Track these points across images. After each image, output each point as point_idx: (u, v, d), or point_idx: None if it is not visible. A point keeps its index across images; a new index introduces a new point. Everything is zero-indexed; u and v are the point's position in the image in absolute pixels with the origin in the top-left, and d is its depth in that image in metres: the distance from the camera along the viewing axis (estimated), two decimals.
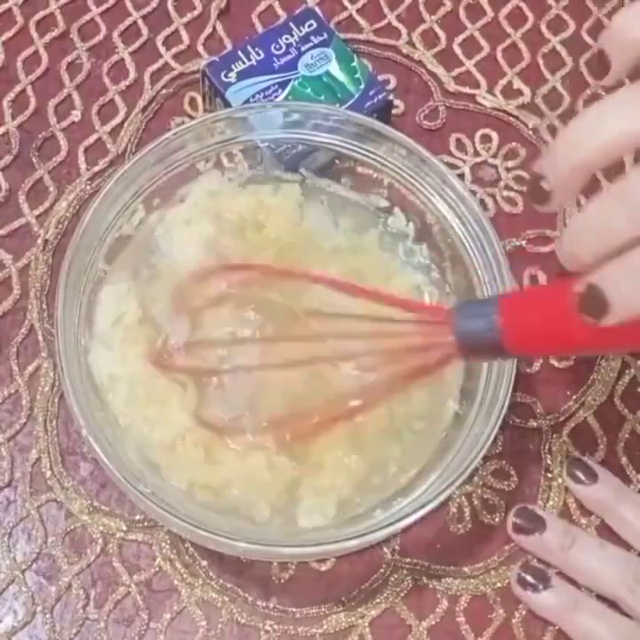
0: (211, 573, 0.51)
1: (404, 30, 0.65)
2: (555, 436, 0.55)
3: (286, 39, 0.59)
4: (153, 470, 0.49)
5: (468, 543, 0.52)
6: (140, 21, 0.65)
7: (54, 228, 0.59)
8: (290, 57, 0.58)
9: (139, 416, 0.50)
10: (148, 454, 0.49)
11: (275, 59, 0.58)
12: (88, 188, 0.60)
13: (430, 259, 0.55)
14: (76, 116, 0.62)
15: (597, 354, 0.54)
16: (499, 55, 0.65)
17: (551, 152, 0.38)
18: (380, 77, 0.63)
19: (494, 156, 0.62)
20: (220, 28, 0.65)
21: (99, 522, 0.52)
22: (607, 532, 0.52)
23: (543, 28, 0.66)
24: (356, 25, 0.66)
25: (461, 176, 0.61)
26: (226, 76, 0.58)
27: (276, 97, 0.57)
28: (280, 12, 0.66)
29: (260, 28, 0.65)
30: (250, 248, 0.53)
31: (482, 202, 0.60)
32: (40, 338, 0.56)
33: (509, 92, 0.64)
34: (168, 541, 0.51)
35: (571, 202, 0.60)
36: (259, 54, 0.58)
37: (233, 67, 0.58)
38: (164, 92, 0.63)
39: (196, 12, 0.66)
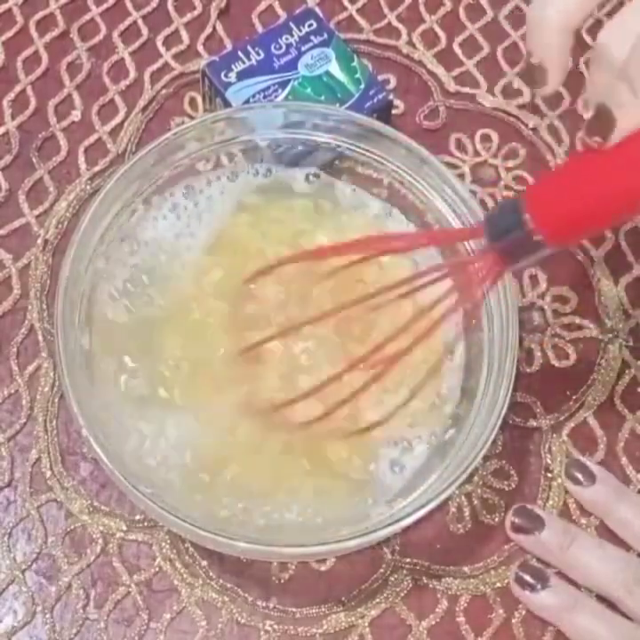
0: (211, 573, 0.51)
1: (403, 30, 0.65)
2: (555, 435, 0.55)
3: (286, 39, 0.59)
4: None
5: (468, 543, 0.52)
6: (139, 21, 0.65)
7: (54, 228, 0.59)
8: (290, 57, 0.58)
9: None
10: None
11: (275, 59, 0.58)
12: (88, 187, 0.60)
13: None
14: (75, 115, 0.62)
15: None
16: (499, 55, 0.65)
17: (528, 25, 0.38)
18: (380, 77, 0.63)
19: (494, 156, 0.62)
20: (219, 28, 0.65)
21: (99, 522, 0.52)
22: (607, 533, 0.52)
23: None
24: (356, 25, 0.66)
25: (461, 176, 0.61)
26: (226, 75, 0.58)
27: (276, 97, 0.57)
28: (280, 11, 0.66)
29: (260, 28, 0.65)
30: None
31: (482, 202, 0.60)
32: (40, 338, 0.56)
33: (509, 92, 0.64)
34: (168, 541, 0.51)
35: None
36: (259, 54, 0.58)
37: (233, 67, 0.58)
38: (164, 91, 0.63)
39: (196, 12, 0.66)
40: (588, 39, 0.65)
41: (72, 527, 0.52)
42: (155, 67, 0.64)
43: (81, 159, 0.61)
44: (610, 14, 0.39)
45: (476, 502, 0.53)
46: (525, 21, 0.40)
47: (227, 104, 0.57)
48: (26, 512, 0.52)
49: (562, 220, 0.40)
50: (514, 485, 0.53)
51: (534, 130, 0.63)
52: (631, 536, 0.51)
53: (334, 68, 0.58)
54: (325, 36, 0.59)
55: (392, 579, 0.51)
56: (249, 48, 0.59)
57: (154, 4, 0.66)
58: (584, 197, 0.40)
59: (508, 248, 0.42)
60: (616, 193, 0.39)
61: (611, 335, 0.57)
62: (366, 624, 0.50)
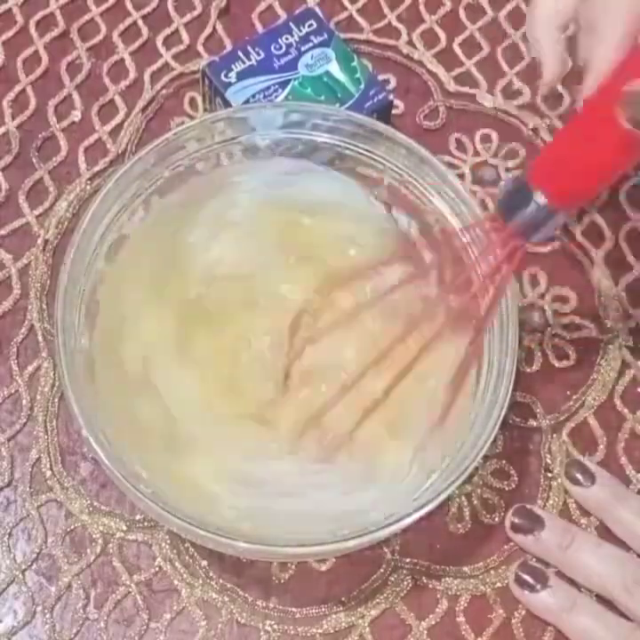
0: (211, 573, 0.51)
1: (403, 30, 0.65)
2: (555, 435, 0.55)
3: (286, 39, 0.59)
4: None
5: (468, 543, 0.52)
6: (139, 21, 0.65)
7: (54, 228, 0.59)
8: (290, 57, 0.59)
9: None
10: None
11: (275, 59, 0.58)
12: (88, 187, 0.60)
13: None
14: (76, 116, 0.62)
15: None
16: (499, 55, 0.65)
17: (526, 24, 0.46)
18: (380, 77, 0.63)
19: (494, 156, 0.62)
20: (219, 27, 0.65)
21: (99, 522, 0.52)
22: (607, 533, 0.52)
23: None
24: (356, 25, 0.66)
25: (461, 176, 0.61)
26: (226, 76, 0.58)
27: (276, 97, 0.57)
28: (280, 11, 0.66)
29: (260, 28, 0.65)
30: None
31: (482, 202, 0.60)
32: (40, 338, 0.56)
33: (509, 92, 0.64)
34: (168, 541, 0.51)
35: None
36: (259, 54, 0.58)
37: (233, 67, 0.58)
38: (164, 91, 0.63)
39: (195, 12, 0.66)
40: None
41: (72, 527, 0.52)
42: (155, 67, 0.64)
43: (81, 159, 0.61)
44: None
45: (475, 502, 0.53)
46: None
47: (227, 104, 0.57)
48: (26, 512, 0.52)
49: (566, 182, 0.43)
50: (514, 485, 0.53)
51: (534, 130, 0.63)
52: (631, 536, 0.51)
53: (334, 68, 0.58)
54: (325, 36, 0.59)
55: (392, 579, 0.51)
56: (249, 48, 0.59)
57: (154, 4, 0.66)
58: (578, 156, 0.42)
59: (524, 223, 0.44)
60: (599, 145, 0.41)
61: (611, 335, 0.57)
62: (366, 624, 0.50)
